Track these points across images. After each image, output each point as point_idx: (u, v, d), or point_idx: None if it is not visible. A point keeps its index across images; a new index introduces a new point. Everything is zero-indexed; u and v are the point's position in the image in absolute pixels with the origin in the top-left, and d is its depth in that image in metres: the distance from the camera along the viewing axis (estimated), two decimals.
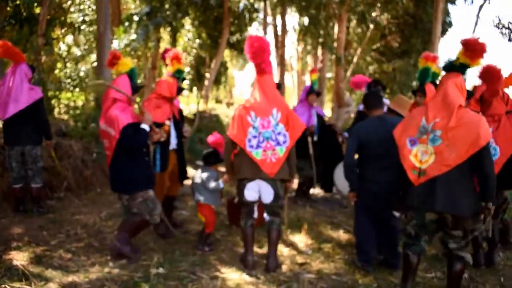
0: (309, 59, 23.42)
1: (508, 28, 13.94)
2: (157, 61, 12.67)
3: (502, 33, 13.94)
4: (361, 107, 6.22)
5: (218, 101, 26.92)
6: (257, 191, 3.95)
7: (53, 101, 8.53)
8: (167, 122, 4.47)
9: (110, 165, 3.99)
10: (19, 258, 3.92)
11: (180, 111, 5.51)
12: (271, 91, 3.93)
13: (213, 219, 4.43)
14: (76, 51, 11.73)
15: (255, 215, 4.14)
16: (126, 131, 3.77)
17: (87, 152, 6.78)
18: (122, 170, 3.92)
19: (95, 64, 10.24)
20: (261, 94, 3.93)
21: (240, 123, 3.88)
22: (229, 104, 24.75)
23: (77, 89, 9.52)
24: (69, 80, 9.42)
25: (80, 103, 9.26)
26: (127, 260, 3.97)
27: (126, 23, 10.67)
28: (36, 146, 5.16)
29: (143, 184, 3.98)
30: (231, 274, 3.90)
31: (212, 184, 4.28)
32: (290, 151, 3.90)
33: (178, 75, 4.82)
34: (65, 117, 8.59)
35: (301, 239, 4.90)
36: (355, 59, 17.87)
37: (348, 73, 17.66)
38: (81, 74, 9.88)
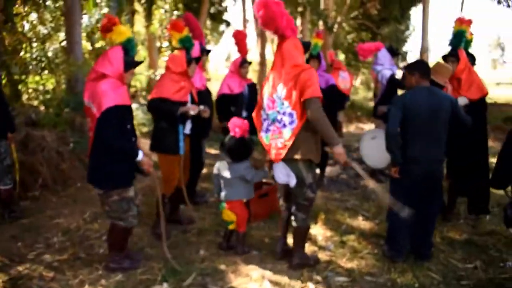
0: None
1: None
2: None
3: None
4: (389, 73, 5.58)
5: None
6: (285, 173, 3.36)
7: (20, 86, 7.64)
8: (201, 107, 4.00)
9: (91, 152, 3.27)
10: None
11: (207, 91, 4.98)
12: (287, 58, 3.22)
13: (246, 216, 3.80)
14: (42, 30, 10.72)
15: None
16: (110, 114, 3.06)
17: (62, 142, 5.98)
18: (99, 160, 3.21)
19: (64, 43, 9.35)
20: (273, 67, 3.35)
21: (259, 105, 3.45)
22: (206, 77, 23.85)
23: (45, 72, 8.61)
24: (36, 62, 8.49)
25: (50, 86, 8.38)
26: (122, 274, 3.32)
27: None
28: (1, 141, 4.36)
29: (123, 181, 3.28)
30: (250, 284, 3.29)
31: (251, 174, 3.65)
32: (319, 118, 3.10)
33: (183, 44, 4.13)
34: (35, 103, 7.73)
35: (318, 231, 4.30)
36: (334, 29, 17.20)
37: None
38: (49, 54, 8.95)
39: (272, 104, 3.28)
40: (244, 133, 3.62)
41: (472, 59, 4.78)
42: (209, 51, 5.19)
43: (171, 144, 3.94)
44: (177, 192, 4.17)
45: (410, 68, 3.55)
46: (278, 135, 3.26)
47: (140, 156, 3.22)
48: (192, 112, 3.90)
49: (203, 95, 4.62)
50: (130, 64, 3.29)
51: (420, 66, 3.53)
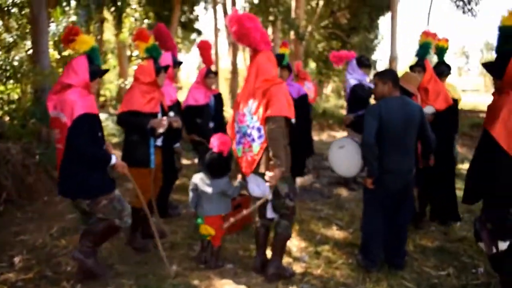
0: None
1: (462, 0, 13.95)
2: (101, 46, 11.50)
3: (457, 5, 13.96)
4: (353, 82, 5.84)
5: None
6: (256, 184, 3.35)
7: None
8: (171, 114, 3.92)
9: (62, 163, 3.16)
10: None
11: (178, 103, 4.88)
12: (260, 71, 3.23)
13: (224, 231, 3.71)
14: (8, 38, 10.37)
15: (270, 215, 3.51)
16: (82, 121, 3.02)
17: (28, 154, 5.76)
18: (78, 169, 3.12)
19: (30, 51, 9.07)
20: (246, 81, 3.35)
21: (233, 116, 3.43)
22: (177, 88, 23.65)
23: (11, 81, 8.33)
24: (0, 71, 8.20)
25: (15, 96, 8.09)
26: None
27: (64, 3, 9.47)
28: None
29: (106, 186, 3.24)
30: None
31: (232, 190, 3.62)
32: (275, 138, 3.10)
33: (150, 54, 4.04)
34: None
35: (293, 243, 4.26)
36: (305, 38, 17.42)
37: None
38: (15, 63, 8.66)
39: (243, 118, 3.30)
40: (227, 150, 3.57)
41: (447, 68, 4.91)
42: (180, 62, 5.13)
43: (142, 158, 3.85)
44: (149, 205, 4.07)
45: (382, 77, 3.52)
46: (249, 149, 3.28)
47: (113, 160, 3.19)
48: (161, 130, 3.80)
49: (174, 107, 4.56)
50: (96, 73, 3.23)
51: (393, 76, 3.52)
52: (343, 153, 4.04)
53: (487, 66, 3.00)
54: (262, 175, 3.26)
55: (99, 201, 3.18)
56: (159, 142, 4.09)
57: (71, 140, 3.03)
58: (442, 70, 4.98)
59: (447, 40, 4.92)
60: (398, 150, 3.42)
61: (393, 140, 3.39)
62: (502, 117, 2.77)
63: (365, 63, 5.98)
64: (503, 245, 2.91)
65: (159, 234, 4.30)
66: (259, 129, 3.18)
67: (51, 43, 8.81)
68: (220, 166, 3.54)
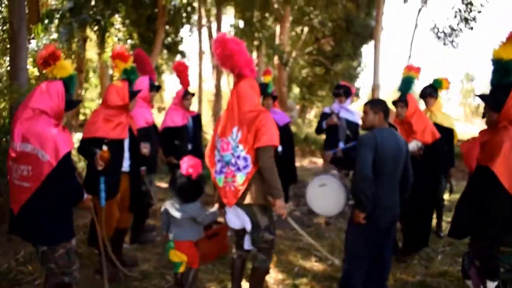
0: None
1: (443, 32, 14.28)
2: (83, 65, 11.33)
3: (438, 37, 14.28)
4: (327, 109, 5.92)
5: None
6: (235, 215, 3.26)
7: None
8: (104, 148, 3.44)
9: (29, 202, 2.77)
10: None
11: (154, 126, 4.77)
12: (242, 98, 3.15)
13: (197, 255, 3.48)
14: None
15: (247, 246, 3.37)
16: (69, 159, 2.79)
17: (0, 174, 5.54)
18: (47, 214, 2.80)
19: (9, 68, 8.90)
20: (228, 107, 3.24)
21: (212, 144, 3.32)
22: (160, 109, 23.40)
23: None
24: None
25: None
26: None
27: (46, 21, 9.32)
28: None
29: (70, 233, 2.95)
30: None
31: (202, 217, 3.38)
32: (270, 169, 3.04)
33: (127, 76, 3.91)
34: None
35: (270, 275, 4.11)
36: (289, 63, 17.60)
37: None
38: None
39: (227, 146, 3.16)
40: (196, 173, 3.39)
41: (431, 88, 5.03)
42: (159, 87, 5.06)
43: (94, 190, 3.55)
44: (117, 233, 3.89)
45: (374, 106, 3.34)
46: (232, 179, 3.14)
47: (85, 195, 3.01)
48: (98, 168, 3.43)
49: (150, 131, 4.44)
50: (72, 104, 3.01)
51: (385, 107, 3.34)
52: (324, 192, 3.83)
53: (485, 98, 2.95)
54: (245, 207, 3.15)
55: (57, 250, 2.87)
56: (126, 167, 3.87)
57: (58, 179, 2.75)
58: (425, 90, 5.03)
59: (448, 82, 5.10)
60: (389, 183, 3.27)
61: (385, 173, 3.22)
62: (503, 154, 2.68)
63: (334, 92, 5.90)
64: (491, 285, 2.82)
65: (129, 262, 4.13)
66: (245, 159, 3.07)
67: (30, 60, 8.65)
68: (190, 190, 3.34)
